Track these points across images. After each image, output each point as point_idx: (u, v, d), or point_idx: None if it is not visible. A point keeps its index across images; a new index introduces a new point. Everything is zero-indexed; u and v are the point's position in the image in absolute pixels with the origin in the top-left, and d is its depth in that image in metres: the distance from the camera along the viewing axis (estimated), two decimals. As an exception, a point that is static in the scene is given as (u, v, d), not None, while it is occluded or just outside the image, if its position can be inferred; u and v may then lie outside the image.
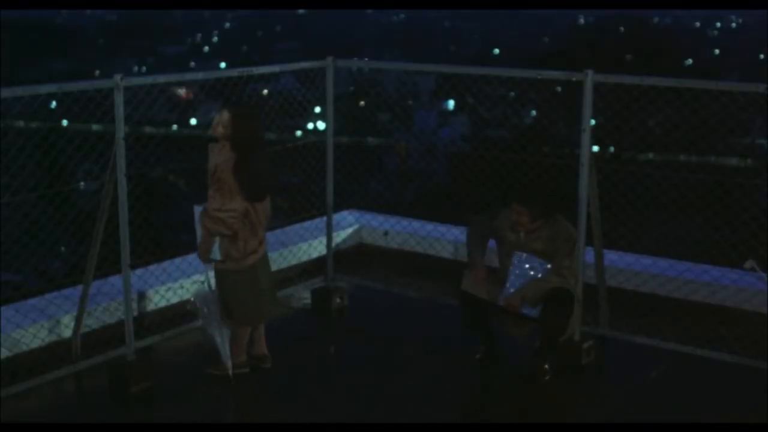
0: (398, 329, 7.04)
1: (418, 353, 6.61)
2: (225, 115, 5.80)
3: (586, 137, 6.22)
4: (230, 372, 5.94)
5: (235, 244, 5.83)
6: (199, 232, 5.85)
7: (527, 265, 6.08)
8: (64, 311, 6.41)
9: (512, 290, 6.06)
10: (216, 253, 5.84)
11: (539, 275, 6.06)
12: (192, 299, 5.92)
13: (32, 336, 6.25)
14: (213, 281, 5.90)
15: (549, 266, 6.06)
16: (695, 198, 7.41)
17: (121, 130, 5.78)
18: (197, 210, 5.87)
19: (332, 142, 7.40)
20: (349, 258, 8.35)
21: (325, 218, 7.63)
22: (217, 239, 5.78)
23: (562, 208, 6.15)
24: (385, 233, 8.63)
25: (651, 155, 29.35)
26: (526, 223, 6.09)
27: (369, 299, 7.64)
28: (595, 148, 6.36)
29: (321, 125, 7.64)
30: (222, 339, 5.89)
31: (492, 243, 6.35)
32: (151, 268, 7.13)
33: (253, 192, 5.81)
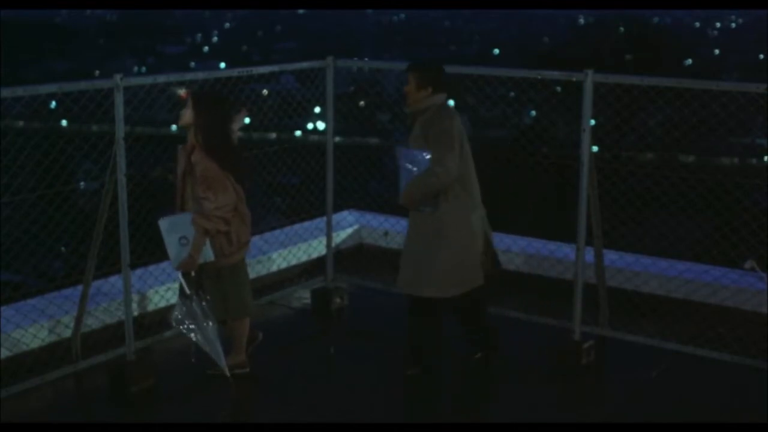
0: (398, 329, 7.03)
1: (418, 353, 6.61)
2: (188, 101, 5.83)
3: (586, 137, 6.22)
4: (227, 372, 5.93)
5: (229, 238, 5.84)
6: (172, 244, 5.78)
7: (408, 160, 5.84)
8: (64, 311, 6.41)
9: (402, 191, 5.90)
10: (209, 254, 5.81)
11: (417, 169, 5.79)
12: (174, 315, 5.85)
13: (32, 336, 6.25)
14: (187, 287, 5.85)
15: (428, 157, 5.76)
16: (695, 198, 7.40)
17: (121, 130, 5.79)
18: (168, 222, 5.77)
19: (332, 142, 7.41)
20: (349, 258, 8.35)
21: (325, 218, 7.63)
22: (207, 241, 5.75)
23: (444, 85, 5.93)
24: (385, 233, 8.63)
25: (651, 155, 29.34)
26: (412, 91, 5.90)
27: (369, 299, 7.64)
28: (594, 149, 6.35)
29: (321, 125, 7.64)
30: (213, 345, 5.85)
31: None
32: (151, 268, 7.13)
33: (239, 169, 5.84)
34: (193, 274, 5.85)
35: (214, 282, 5.92)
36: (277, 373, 6.29)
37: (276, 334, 6.62)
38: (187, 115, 5.78)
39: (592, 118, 6.22)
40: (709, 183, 7.44)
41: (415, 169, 5.78)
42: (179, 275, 5.87)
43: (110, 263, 6.57)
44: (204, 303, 5.79)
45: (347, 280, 7.77)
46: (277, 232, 8.30)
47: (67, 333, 6.35)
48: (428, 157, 5.74)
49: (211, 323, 5.81)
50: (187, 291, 5.82)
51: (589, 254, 6.56)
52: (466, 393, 6.11)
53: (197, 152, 5.75)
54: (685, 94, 6.62)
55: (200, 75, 6.68)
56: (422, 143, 5.82)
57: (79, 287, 6.29)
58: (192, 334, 5.81)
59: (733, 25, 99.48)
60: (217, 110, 5.85)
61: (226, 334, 6.04)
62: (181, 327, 5.81)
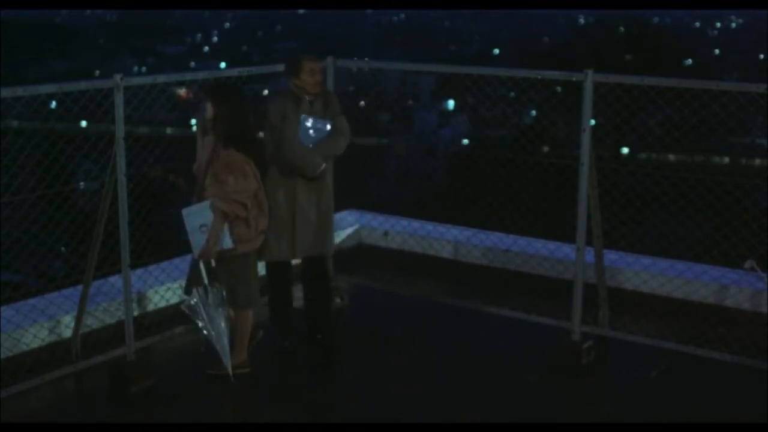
0: (398, 329, 7.04)
1: (418, 353, 6.62)
2: (209, 96, 5.96)
3: (586, 137, 6.22)
4: (230, 372, 5.93)
5: (248, 223, 5.88)
6: (194, 233, 5.81)
7: (310, 125, 6.17)
8: (64, 311, 6.41)
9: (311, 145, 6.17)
10: (227, 242, 5.83)
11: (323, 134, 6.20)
12: (187, 301, 5.87)
13: (32, 336, 6.25)
14: (206, 277, 5.87)
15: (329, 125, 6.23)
16: (695, 198, 7.40)
17: (121, 130, 5.79)
18: (189, 211, 5.82)
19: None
20: (349, 258, 8.35)
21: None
22: (226, 228, 5.79)
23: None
24: (385, 233, 8.63)
25: (651, 155, 29.35)
26: (317, 76, 6.22)
27: (369, 299, 7.63)
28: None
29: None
30: (221, 339, 5.87)
31: None
32: (151, 268, 7.13)
33: (260, 155, 5.96)
34: (213, 264, 5.86)
35: (225, 271, 5.93)
36: (277, 373, 6.28)
37: (276, 333, 6.61)
38: (210, 109, 5.90)
39: (592, 118, 6.21)
40: (709, 183, 7.44)
41: (314, 136, 6.16)
42: (200, 263, 5.88)
43: (110, 263, 6.57)
44: (219, 294, 5.82)
45: (347, 280, 7.77)
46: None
47: (67, 333, 6.35)
48: (329, 126, 6.22)
49: (222, 316, 5.82)
50: (205, 281, 5.83)
51: (589, 254, 6.56)
52: (466, 393, 6.10)
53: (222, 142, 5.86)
54: (685, 94, 6.62)
55: (200, 75, 6.68)
56: (324, 116, 6.26)
57: (79, 287, 6.29)
58: (201, 324, 5.82)
59: (733, 25, 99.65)
60: (234, 100, 5.97)
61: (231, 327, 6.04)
62: (191, 314, 5.81)
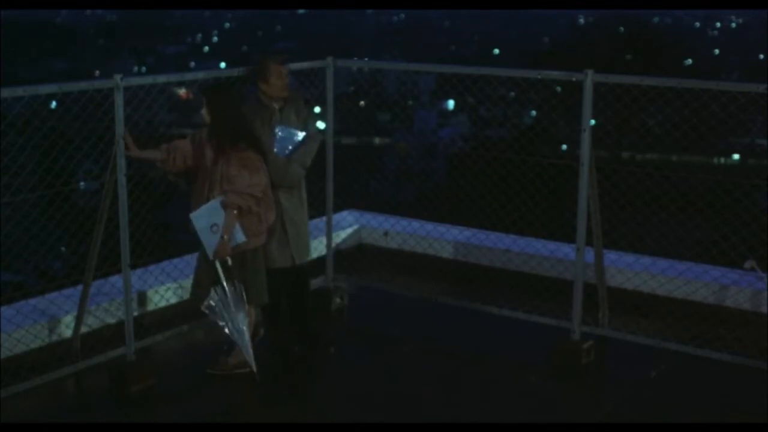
0: (398, 329, 7.05)
1: (418, 353, 6.62)
2: (203, 99, 5.95)
3: (586, 137, 6.22)
4: (254, 367, 5.89)
5: (259, 218, 5.90)
6: (206, 234, 5.79)
7: (283, 135, 6.27)
8: (64, 311, 6.41)
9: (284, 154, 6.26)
10: (240, 237, 5.83)
11: (297, 144, 6.29)
12: (207, 302, 5.84)
13: (32, 336, 6.25)
14: (223, 276, 5.85)
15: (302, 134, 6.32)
16: (695, 198, 7.40)
17: (121, 130, 5.79)
18: (198, 213, 5.81)
19: (332, 142, 7.41)
20: (349, 258, 8.35)
21: (325, 218, 7.63)
22: (237, 224, 5.79)
23: None
24: (385, 233, 8.63)
25: (651, 155, 29.36)
26: (286, 79, 6.28)
27: (369, 299, 7.64)
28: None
29: (321, 125, 7.64)
30: (242, 337, 5.83)
31: None
32: (151, 268, 7.13)
33: (258, 145, 5.96)
34: (230, 262, 5.84)
35: (238, 268, 5.92)
36: (277, 373, 6.28)
37: (270, 335, 6.61)
38: (205, 111, 5.90)
39: (592, 118, 6.22)
40: (709, 183, 7.45)
41: (290, 146, 6.28)
42: (216, 263, 5.85)
43: (110, 263, 6.57)
44: (238, 292, 5.81)
45: (347, 280, 7.77)
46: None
47: (67, 333, 6.35)
48: (300, 134, 6.31)
49: (243, 314, 5.80)
50: (223, 280, 5.82)
51: (589, 254, 6.56)
52: (466, 393, 6.11)
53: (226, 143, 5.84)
54: (685, 94, 6.62)
55: (200, 75, 6.68)
56: (297, 124, 6.33)
57: (79, 287, 6.29)
58: (222, 323, 5.80)
59: (733, 25, 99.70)
60: (229, 99, 5.98)
61: None
62: (212, 315, 5.79)
